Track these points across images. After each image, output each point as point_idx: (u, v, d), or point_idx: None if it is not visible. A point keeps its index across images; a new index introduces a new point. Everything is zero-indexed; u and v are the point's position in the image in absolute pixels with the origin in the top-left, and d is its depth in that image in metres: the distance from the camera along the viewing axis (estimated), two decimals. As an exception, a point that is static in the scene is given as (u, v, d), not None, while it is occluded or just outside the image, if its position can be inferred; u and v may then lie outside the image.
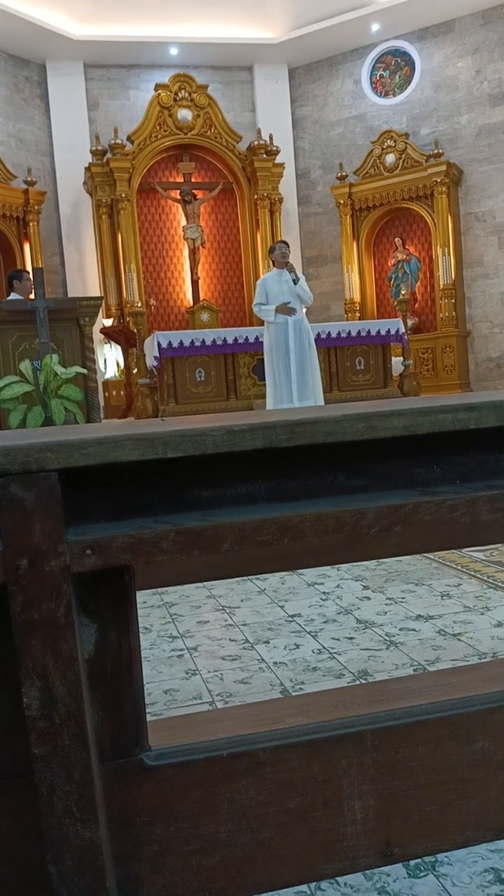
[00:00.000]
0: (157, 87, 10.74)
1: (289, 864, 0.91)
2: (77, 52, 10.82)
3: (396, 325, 8.42)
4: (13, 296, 6.57)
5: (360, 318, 11.01)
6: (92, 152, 10.55)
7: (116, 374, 10.58)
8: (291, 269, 6.44)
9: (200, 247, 11.18)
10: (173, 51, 11.06)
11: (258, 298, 6.58)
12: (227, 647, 2.35)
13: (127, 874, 0.87)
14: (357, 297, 11.28)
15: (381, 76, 11.35)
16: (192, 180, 11.18)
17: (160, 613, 2.75)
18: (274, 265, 6.65)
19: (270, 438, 0.82)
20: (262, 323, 6.92)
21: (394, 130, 10.90)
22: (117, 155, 10.47)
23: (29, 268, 9.42)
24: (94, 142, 10.70)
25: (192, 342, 7.85)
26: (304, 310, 6.70)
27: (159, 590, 3.00)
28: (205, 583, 2.99)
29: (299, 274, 6.55)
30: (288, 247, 6.65)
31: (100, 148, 10.53)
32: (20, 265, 9.94)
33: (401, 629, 2.38)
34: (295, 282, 6.40)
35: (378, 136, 10.97)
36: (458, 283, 10.75)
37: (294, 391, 6.41)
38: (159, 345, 7.72)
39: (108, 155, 10.52)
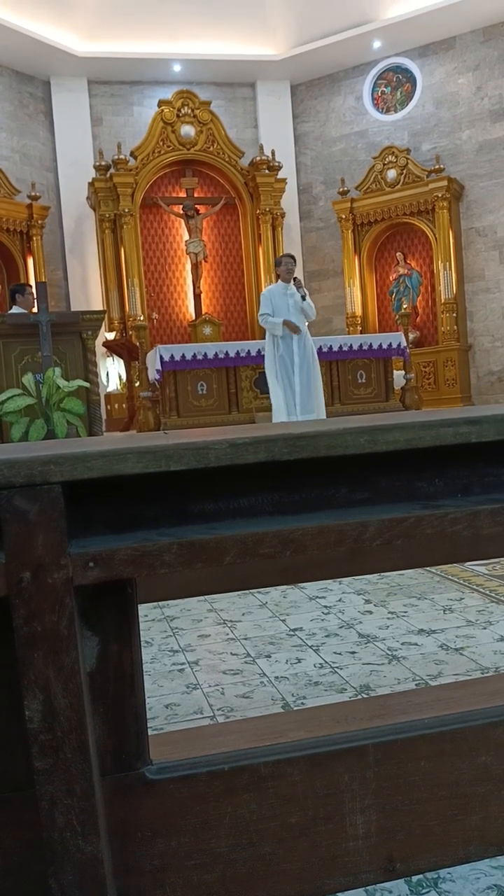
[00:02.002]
0: (160, 103, 10.82)
1: (290, 879, 0.91)
2: (81, 68, 10.92)
3: (398, 338, 8.44)
4: (16, 309, 6.61)
5: (361, 332, 11.03)
6: (95, 168, 10.62)
7: (119, 388, 10.61)
8: (300, 285, 6.47)
9: (203, 261, 11.23)
10: (176, 67, 11.16)
11: (264, 309, 6.56)
12: (229, 661, 2.34)
13: (128, 888, 0.87)
14: (359, 311, 11.31)
15: (383, 92, 11.44)
16: (195, 195, 11.25)
17: (161, 627, 2.75)
18: (279, 279, 6.68)
19: (273, 452, 0.82)
20: (263, 336, 6.94)
21: (395, 146, 10.97)
22: (120, 170, 10.54)
23: (32, 282, 9.46)
24: (97, 157, 10.77)
25: (195, 356, 7.87)
26: (307, 324, 6.72)
27: (160, 603, 2.99)
28: (206, 596, 2.98)
29: (306, 290, 6.58)
30: (294, 261, 6.68)
31: (103, 163, 10.61)
32: (23, 279, 9.98)
33: (403, 643, 2.37)
34: (303, 297, 6.43)
35: (379, 151, 11.04)
36: (460, 298, 10.78)
37: (297, 404, 6.43)
38: (161, 358, 7.74)
39: (112, 170, 10.60)
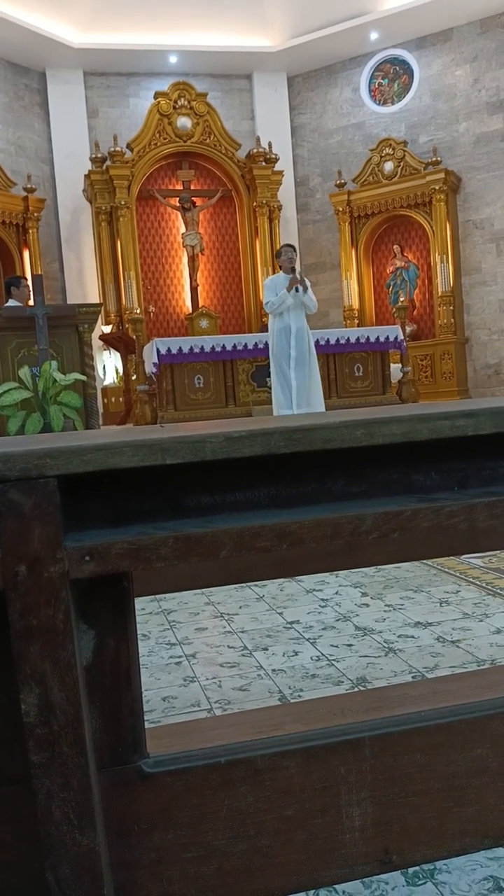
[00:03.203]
0: (157, 95, 10.78)
1: (287, 871, 0.91)
2: (77, 60, 10.86)
3: (395, 331, 8.43)
4: (11, 302, 6.58)
5: (358, 325, 11.02)
6: (91, 160, 10.58)
7: (115, 381, 10.59)
8: (301, 278, 6.40)
9: (199, 254, 11.20)
10: (173, 59, 11.11)
11: (269, 296, 6.48)
12: (226, 654, 2.35)
13: (125, 882, 0.87)
14: (356, 303, 11.30)
15: (380, 84, 11.40)
16: (192, 188, 11.21)
17: (158, 620, 2.75)
18: (281, 269, 6.65)
19: (269, 445, 0.82)
20: (260, 329, 6.92)
21: (392, 138, 10.94)
22: (117, 162, 10.50)
23: (28, 274, 9.43)
24: (93, 149, 10.73)
25: (191, 349, 7.86)
26: (306, 318, 6.70)
27: (157, 596, 2.99)
28: (203, 590, 2.98)
29: (308, 283, 6.54)
30: (295, 251, 6.64)
31: (99, 155, 10.56)
32: (20, 272, 9.95)
33: (399, 636, 2.37)
34: (305, 290, 6.40)
35: (377, 143, 11.01)
36: (457, 290, 10.77)
37: (294, 399, 6.42)
38: (158, 351, 7.72)
39: (108, 162, 10.56)
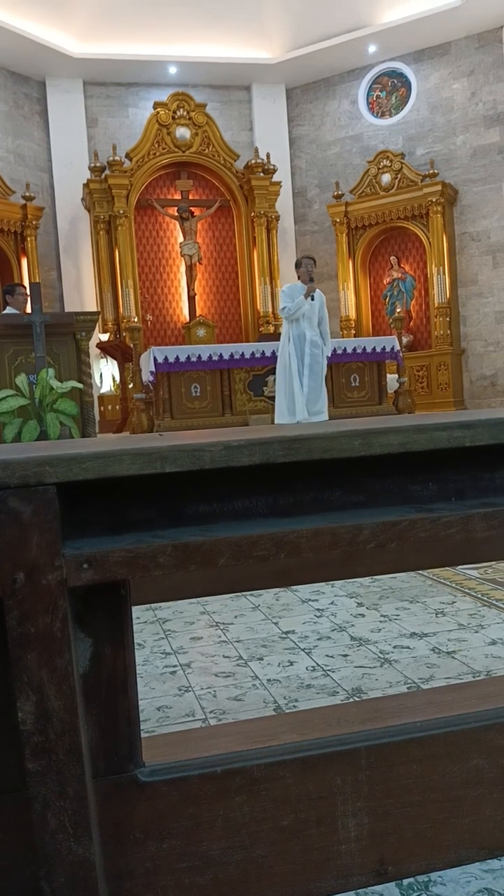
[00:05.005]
0: (156, 105, 10.83)
1: (282, 881, 0.91)
2: (77, 69, 10.91)
3: (391, 342, 8.45)
4: (8, 310, 6.59)
5: (355, 336, 11.05)
6: (90, 169, 10.62)
7: (112, 389, 10.59)
8: (312, 290, 6.48)
9: (197, 263, 11.24)
10: (172, 70, 11.17)
11: (285, 302, 6.57)
12: (221, 663, 2.34)
13: (119, 891, 0.87)
14: (353, 314, 11.33)
15: (378, 97, 11.47)
16: (190, 198, 11.25)
17: (154, 629, 2.74)
18: (299, 279, 6.72)
19: (268, 454, 0.82)
20: (256, 339, 6.95)
21: (390, 150, 11.00)
22: (115, 172, 10.54)
23: (26, 282, 9.44)
24: (92, 158, 10.77)
25: (188, 357, 7.87)
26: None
27: (153, 605, 2.99)
28: (199, 599, 2.98)
29: (318, 294, 6.62)
30: (314, 262, 6.73)
31: (98, 165, 10.61)
32: (17, 280, 9.96)
33: (395, 647, 2.37)
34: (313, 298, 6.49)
35: (374, 155, 11.07)
36: (453, 302, 10.82)
37: (305, 405, 6.47)
38: (155, 360, 7.73)
39: (107, 172, 10.60)
